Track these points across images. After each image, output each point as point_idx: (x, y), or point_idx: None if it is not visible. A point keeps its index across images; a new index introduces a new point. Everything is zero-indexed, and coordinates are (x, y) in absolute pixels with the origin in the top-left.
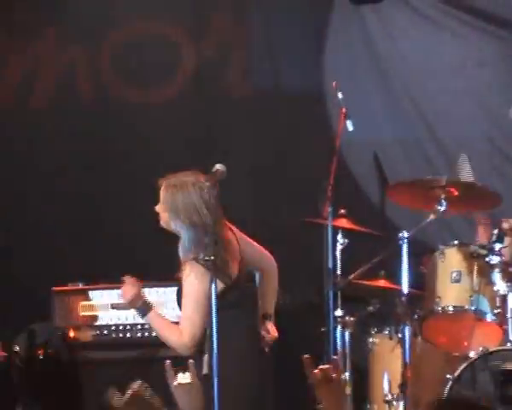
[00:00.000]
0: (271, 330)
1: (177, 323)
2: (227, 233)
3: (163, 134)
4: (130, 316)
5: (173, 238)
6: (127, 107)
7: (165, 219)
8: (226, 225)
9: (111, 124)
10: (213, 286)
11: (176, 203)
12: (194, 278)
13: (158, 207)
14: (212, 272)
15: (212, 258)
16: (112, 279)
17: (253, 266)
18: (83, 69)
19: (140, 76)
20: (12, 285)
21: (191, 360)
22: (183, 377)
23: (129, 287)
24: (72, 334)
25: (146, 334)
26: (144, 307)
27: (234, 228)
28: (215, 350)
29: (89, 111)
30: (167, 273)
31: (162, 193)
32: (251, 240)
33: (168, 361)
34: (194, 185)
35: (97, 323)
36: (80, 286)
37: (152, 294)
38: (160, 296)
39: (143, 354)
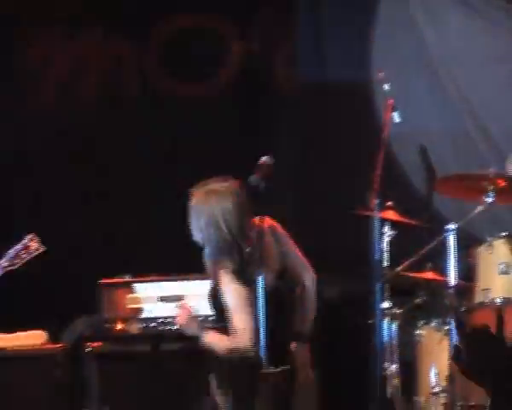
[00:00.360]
0: (300, 356)
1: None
2: (262, 240)
3: (210, 127)
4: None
5: None
6: (173, 101)
7: (193, 229)
8: (262, 230)
9: (158, 118)
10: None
11: (201, 214)
12: (231, 287)
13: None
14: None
15: (240, 266)
16: (159, 272)
17: (293, 278)
18: (130, 64)
19: (186, 70)
20: (60, 278)
21: None
22: None
23: (183, 311)
24: (119, 326)
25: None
26: (199, 330)
27: (279, 230)
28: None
29: (135, 105)
30: None
31: (190, 204)
32: (295, 248)
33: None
34: (220, 195)
35: (144, 315)
36: (127, 279)
37: (196, 286)
38: (201, 289)
39: (192, 347)
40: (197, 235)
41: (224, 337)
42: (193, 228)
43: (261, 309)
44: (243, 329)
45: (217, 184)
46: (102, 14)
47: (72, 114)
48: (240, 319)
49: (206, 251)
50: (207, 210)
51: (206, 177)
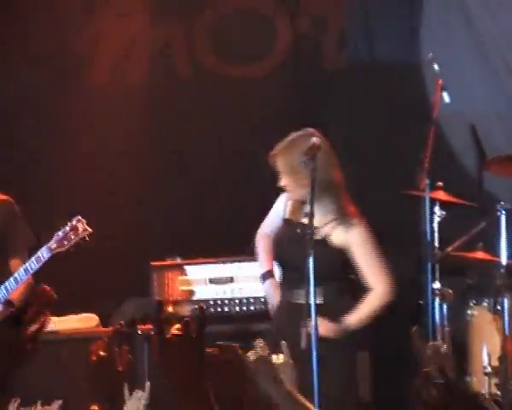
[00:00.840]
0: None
1: None
2: None
3: (259, 108)
4: (229, 290)
5: None
6: (223, 81)
7: (292, 187)
8: None
9: (207, 99)
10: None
11: (292, 163)
12: (362, 234)
13: (282, 182)
14: None
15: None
16: (209, 254)
17: None
18: (179, 45)
19: (236, 51)
20: (112, 259)
21: (284, 342)
22: (277, 358)
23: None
24: (170, 309)
25: (244, 308)
26: (345, 332)
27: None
28: (314, 325)
29: (185, 86)
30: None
31: (277, 163)
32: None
33: (261, 343)
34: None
35: (195, 297)
36: (178, 261)
37: (246, 268)
38: (251, 271)
39: (242, 329)
40: (297, 189)
41: (366, 308)
42: (293, 181)
43: None
44: (382, 279)
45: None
46: None
47: (124, 98)
48: (375, 268)
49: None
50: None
51: (258, 158)
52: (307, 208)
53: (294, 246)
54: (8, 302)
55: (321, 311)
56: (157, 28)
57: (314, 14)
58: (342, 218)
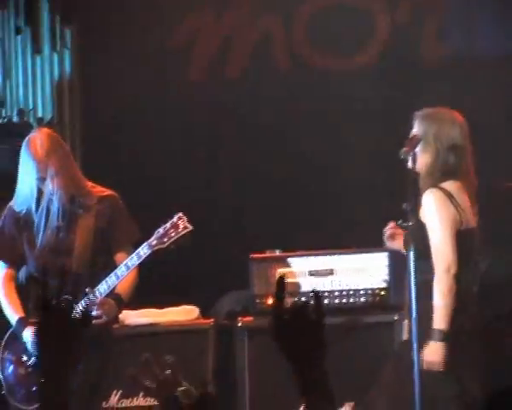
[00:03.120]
0: None
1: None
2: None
3: (359, 100)
4: (328, 282)
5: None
6: (322, 75)
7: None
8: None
9: (306, 92)
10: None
11: (431, 132)
12: (436, 205)
13: (408, 143)
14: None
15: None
16: (308, 246)
17: None
18: (278, 38)
19: (334, 44)
20: (211, 252)
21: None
22: None
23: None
24: (270, 301)
25: (344, 301)
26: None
27: None
28: (415, 315)
29: (284, 80)
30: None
31: (419, 123)
32: None
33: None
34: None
35: (294, 290)
36: (278, 253)
37: (346, 261)
38: (351, 263)
39: (342, 321)
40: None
41: (440, 299)
42: (422, 145)
43: None
44: (443, 259)
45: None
46: None
47: (221, 91)
48: (437, 246)
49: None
50: (442, 129)
51: (360, 150)
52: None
53: None
54: (117, 298)
55: None
56: (256, 21)
57: (413, 5)
58: None
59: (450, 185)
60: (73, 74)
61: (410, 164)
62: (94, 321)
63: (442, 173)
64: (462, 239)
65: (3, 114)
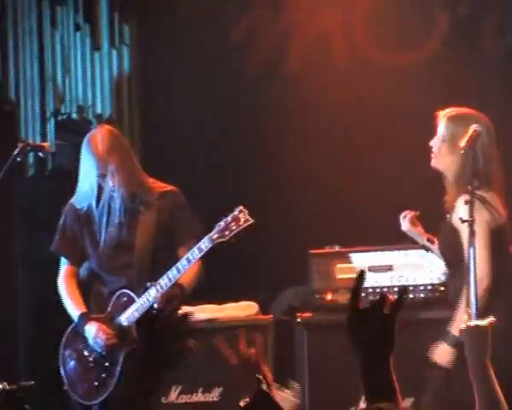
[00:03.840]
0: None
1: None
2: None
3: (416, 95)
4: (387, 278)
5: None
6: (380, 69)
7: (442, 151)
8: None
9: (365, 87)
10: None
11: (457, 134)
12: (471, 213)
13: (433, 142)
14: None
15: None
16: (367, 242)
17: None
18: (337, 32)
19: (393, 38)
20: (270, 247)
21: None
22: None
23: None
24: (329, 297)
25: (404, 296)
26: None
27: None
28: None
29: (342, 74)
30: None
31: (441, 123)
32: None
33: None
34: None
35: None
36: (337, 249)
37: (405, 256)
38: (411, 259)
39: (401, 317)
40: (445, 158)
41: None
42: (446, 147)
43: None
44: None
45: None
46: None
47: (277, 88)
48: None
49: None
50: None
51: (418, 140)
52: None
53: None
54: (180, 290)
55: None
56: (316, 17)
57: (474, 4)
58: None
59: (481, 190)
60: (132, 71)
61: (434, 162)
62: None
63: (471, 177)
64: (495, 236)
65: (63, 111)
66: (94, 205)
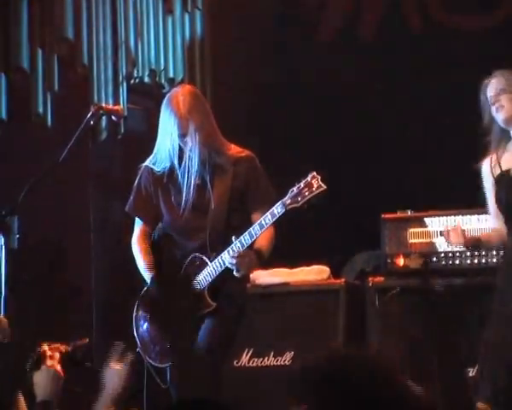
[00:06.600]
0: None
1: None
2: None
3: (490, 59)
4: None
5: None
6: (454, 34)
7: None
8: None
9: (439, 53)
10: None
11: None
12: None
13: (504, 98)
14: None
15: None
16: (439, 206)
17: None
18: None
19: (466, 4)
20: (342, 212)
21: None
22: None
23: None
24: (401, 262)
25: (475, 261)
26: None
27: None
28: None
29: (416, 41)
30: None
31: (496, 80)
32: None
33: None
34: None
35: (426, 250)
36: (409, 213)
37: (477, 221)
38: (483, 224)
39: (473, 282)
40: None
41: None
42: None
43: None
44: None
45: None
46: None
47: (351, 55)
48: None
49: None
50: None
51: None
52: None
53: None
54: (256, 252)
55: None
56: None
57: None
58: None
59: None
60: (204, 35)
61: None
62: (235, 273)
63: None
64: None
65: (135, 75)
66: (176, 165)
